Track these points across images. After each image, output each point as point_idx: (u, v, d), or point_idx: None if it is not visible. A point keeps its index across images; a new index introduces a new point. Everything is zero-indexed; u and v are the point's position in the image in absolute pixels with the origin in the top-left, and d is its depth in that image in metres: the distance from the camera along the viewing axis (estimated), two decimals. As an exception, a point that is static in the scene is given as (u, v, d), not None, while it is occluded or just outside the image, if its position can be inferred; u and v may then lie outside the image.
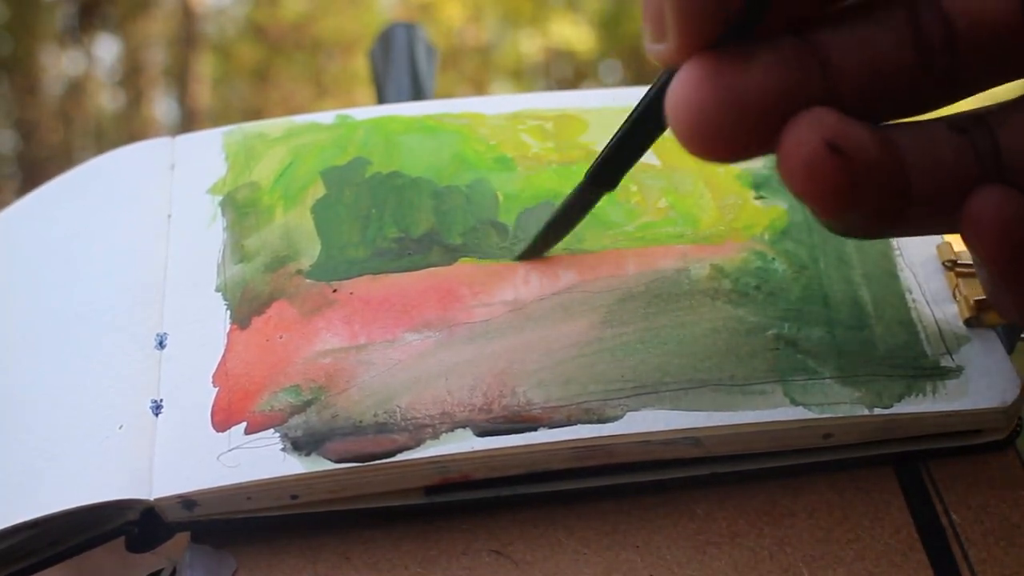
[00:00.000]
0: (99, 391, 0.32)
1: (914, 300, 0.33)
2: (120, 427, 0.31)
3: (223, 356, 0.32)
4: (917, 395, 0.30)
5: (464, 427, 0.30)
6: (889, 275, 0.33)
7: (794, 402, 0.30)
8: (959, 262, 0.33)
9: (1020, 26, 0.24)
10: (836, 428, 0.30)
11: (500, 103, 0.40)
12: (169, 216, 0.37)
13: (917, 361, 0.31)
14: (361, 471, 0.30)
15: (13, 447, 0.32)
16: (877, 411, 0.30)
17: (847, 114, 0.23)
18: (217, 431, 0.31)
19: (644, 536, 0.30)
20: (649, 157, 0.35)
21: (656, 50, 0.24)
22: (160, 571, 0.31)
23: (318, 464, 0.30)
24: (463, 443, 0.30)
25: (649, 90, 0.29)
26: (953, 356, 0.31)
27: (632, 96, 0.31)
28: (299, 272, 0.34)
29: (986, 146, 0.24)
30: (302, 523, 0.30)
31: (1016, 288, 0.25)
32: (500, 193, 0.36)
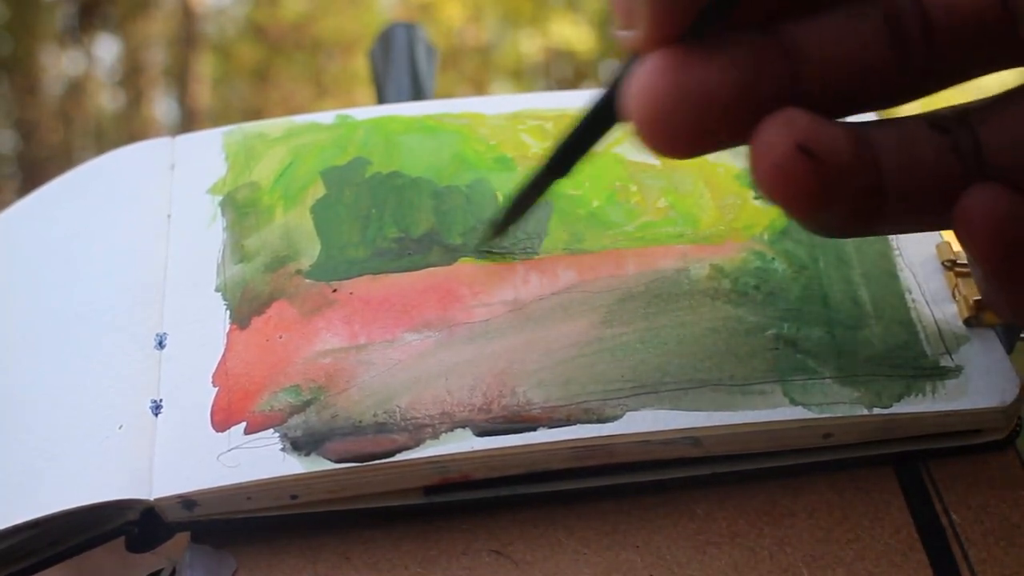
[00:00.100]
0: (99, 391, 0.32)
1: (913, 300, 0.33)
2: (120, 427, 0.31)
3: (223, 356, 0.32)
4: (917, 395, 0.30)
5: (464, 427, 0.30)
6: (888, 275, 0.33)
7: (794, 402, 0.30)
8: (958, 262, 0.33)
9: (1000, 16, 0.24)
10: (836, 428, 0.30)
11: (500, 103, 0.40)
12: (169, 216, 0.37)
13: (917, 361, 0.31)
14: (361, 471, 0.30)
15: (13, 447, 0.32)
16: (877, 411, 0.30)
17: (818, 109, 0.23)
18: (217, 431, 0.31)
19: (644, 536, 0.30)
20: (649, 157, 0.35)
21: (626, 37, 0.24)
22: (160, 571, 0.31)
23: (318, 464, 0.30)
24: (463, 443, 0.30)
25: (608, 81, 0.28)
26: (952, 356, 0.31)
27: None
28: (299, 272, 0.34)
29: (967, 144, 0.24)
30: (302, 523, 0.31)
31: (1009, 287, 0.24)
32: (500, 193, 0.36)
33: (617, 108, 0.24)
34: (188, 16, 2.92)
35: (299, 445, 0.30)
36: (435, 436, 0.30)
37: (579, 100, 0.40)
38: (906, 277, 0.33)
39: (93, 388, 0.32)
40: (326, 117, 0.39)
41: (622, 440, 0.30)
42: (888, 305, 0.33)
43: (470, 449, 0.30)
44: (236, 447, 0.30)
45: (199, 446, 0.30)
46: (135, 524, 0.30)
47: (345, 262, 0.34)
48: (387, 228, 0.35)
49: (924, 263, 0.34)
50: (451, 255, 0.34)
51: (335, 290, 0.34)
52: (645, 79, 0.23)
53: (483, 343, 0.32)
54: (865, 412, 0.30)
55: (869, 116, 0.25)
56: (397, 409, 0.31)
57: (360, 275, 0.34)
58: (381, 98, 0.56)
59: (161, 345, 0.33)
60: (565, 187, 0.34)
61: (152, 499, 0.30)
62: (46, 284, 0.36)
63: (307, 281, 0.34)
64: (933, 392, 0.31)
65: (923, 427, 0.31)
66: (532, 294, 0.33)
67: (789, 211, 0.24)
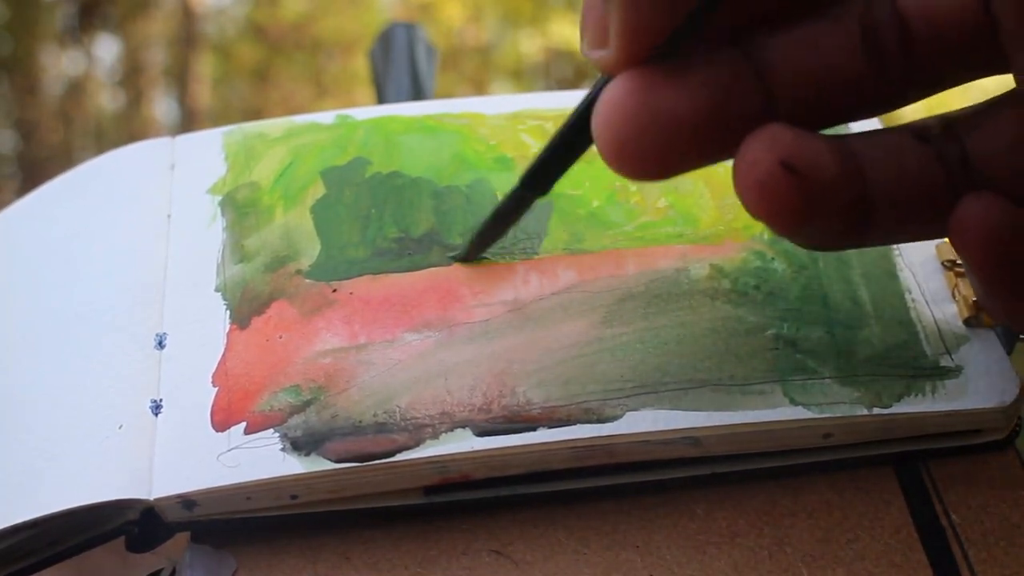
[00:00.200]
0: (99, 391, 0.32)
1: (913, 300, 0.33)
2: (120, 427, 0.31)
3: (223, 356, 0.32)
4: (916, 395, 0.30)
5: (464, 427, 0.30)
6: (888, 275, 0.33)
7: (793, 402, 0.30)
8: (958, 262, 0.33)
9: (982, 21, 0.23)
10: (836, 428, 0.30)
11: (500, 103, 0.40)
12: (169, 216, 0.37)
13: (916, 361, 0.31)
14: (361, 471, 0.30)
15: (13, 447, 0.32)
16: (876, 411, 0.30)
17: (793, 122, 0.23)
18: (217, 431, 0.31)
19: (644, 536, 0.30)
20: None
21: (596, 56, 0.24)
22: (160, 571, 0.31)
23: (318, 464, 0.30)
24: (463, 443, 0.30)
25: (583, 99, 0.28)
26: (952, 356, 0.31)
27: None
28: (299, 272, 0.34)
29: (954, 153, 0.24)
30: (302, 523, 0.31)
31: (1004, 294, 0.25)
32: (500, 193, 0.36)
33: (589, 129, 0.24)
34: (188, 16, 2.92)
35: (299, 445, 0.30)
36: (435, 436, 0.30)
37: (579, 100, 0.40)
38: (906, 277, 0.33)
39: (93, 388, 0.32)
40: (326, 117, 0.39)
41: (622, 440, 0.30)
42: (888, 305, 0.33)
43: (470, 449, 0.30)
44: (236, 447, 0.30)
45: (199, 446, 0.30)
46: (135, 524, 0.30)
47: (345, 262, 0.34)
48: (387, 228, 0.35)
49: (924, 263, 0.34)
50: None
51: (335, 290, 0.34)
52: (613, 101, 0.23)
53: (483, 343, 0.32)
54: (865, 412, 0.30)
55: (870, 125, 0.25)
56: (397, 409, 0.31)
57: (360, 275, 0.34)
58: (381, 98, 0.57)
59: (161, 345, 0.33)
60: (565, 187, 0.34)
61: (152, 499, 0.30)
62: (46, 284, 0.36)
63: (307, 281, 0.34)
64: (933, 392, 0.31)
65: (923, 427, 0.31)
66: (532, 294, 0.33)
67: (773, 227, 0.24)
